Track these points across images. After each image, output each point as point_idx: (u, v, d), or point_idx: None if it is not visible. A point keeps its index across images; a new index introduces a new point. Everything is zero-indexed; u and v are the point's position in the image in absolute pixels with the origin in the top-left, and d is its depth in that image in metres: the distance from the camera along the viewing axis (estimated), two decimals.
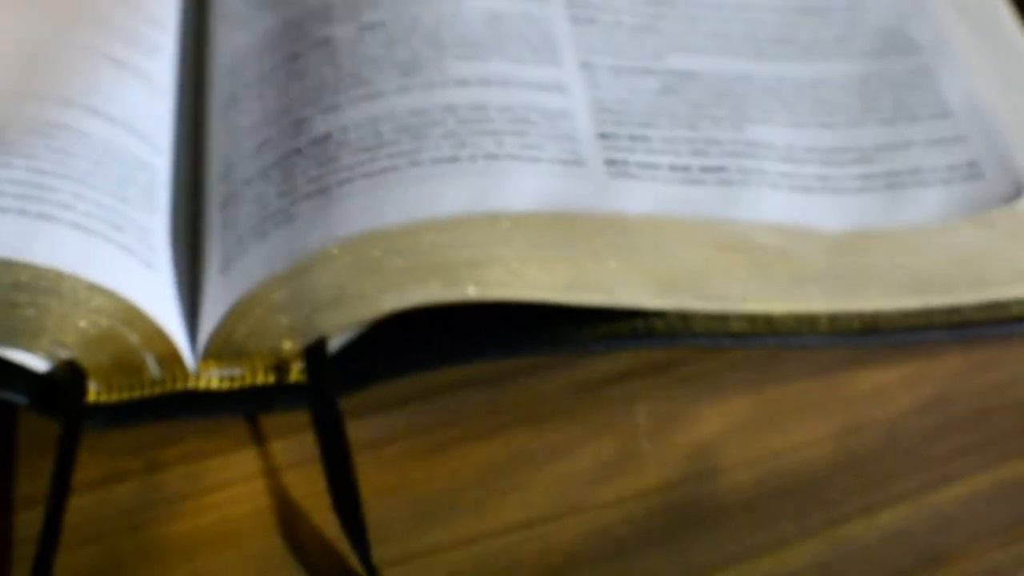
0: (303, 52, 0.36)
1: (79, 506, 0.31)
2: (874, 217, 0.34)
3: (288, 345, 0.33)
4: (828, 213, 0.34)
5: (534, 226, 0.32)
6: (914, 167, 0.35)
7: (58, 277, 0.31)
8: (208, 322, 0.32)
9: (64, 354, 0.32)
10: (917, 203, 0.34)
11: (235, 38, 0.38)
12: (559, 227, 0.32)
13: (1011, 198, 0.33)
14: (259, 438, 0.33)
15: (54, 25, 0.36)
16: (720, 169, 0.34)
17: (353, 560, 0.29)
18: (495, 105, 0.34)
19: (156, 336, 0.32)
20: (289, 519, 0.31)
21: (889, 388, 0.34)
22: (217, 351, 0.32)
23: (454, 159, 0.33)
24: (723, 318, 0.34)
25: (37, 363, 0.32)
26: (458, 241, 0.32)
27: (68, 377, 0.32)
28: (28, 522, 0.31)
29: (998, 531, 0.31)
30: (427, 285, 0.32)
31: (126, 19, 0.37)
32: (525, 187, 0.33)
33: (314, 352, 0.33)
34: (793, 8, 0.39)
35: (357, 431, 0.32)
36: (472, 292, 0.32)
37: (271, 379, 0.33)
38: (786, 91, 0.36)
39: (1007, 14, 0.40)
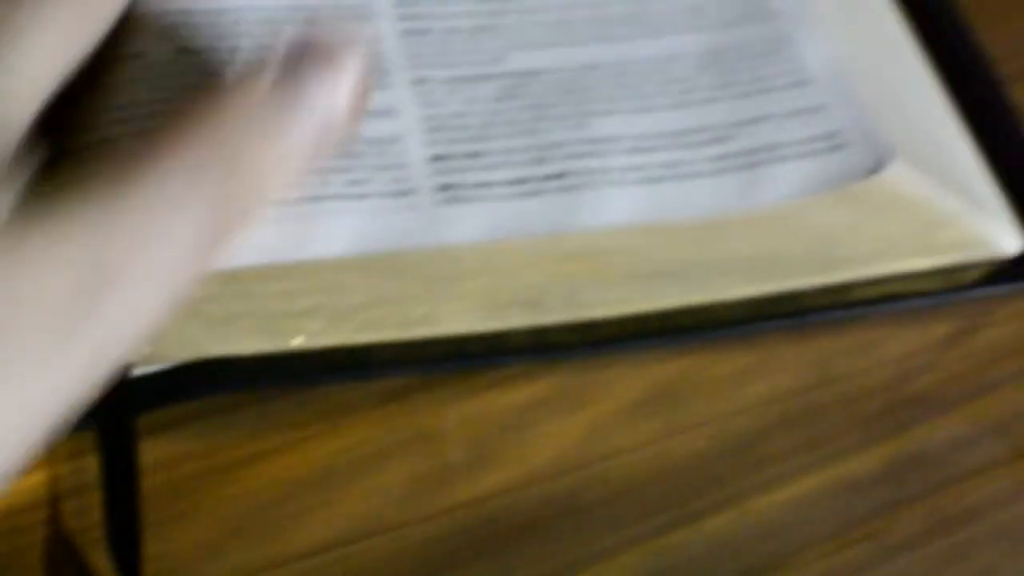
0: None
1: None
2: (731, 200, 0.31)
3: None
4: (681, 202, 0.31)
5: (358, 269, 0.30)
6: (772, 142, 0.32)
7: None
8: None
9: None
10: (775, 180, 0.31)
11: None
12: (386, 267, 0.30)
13: (874, 169, 0.31)
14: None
15: None
16: (560, 175, 0.31)
17: None
18: None
19: None
20: (55, 556, 0.29)
21: (719, 385, 0.32)
22: None
23: (279, 202, 0.30)
24: (543, 331, 0.32)
25: None
26: (280, 290, 0.30)
27: None
28: None
29: (830, 535, 0.30)
30: (251, 335, 0.30)
31: None
32: (349, 228, 0.30)
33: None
34: None
35: (148, 452, 0.29)
36: (296, 343, 0.30)
37: None
38: (635, 74, 0.34)
39: None
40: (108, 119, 0.29)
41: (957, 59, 0.37)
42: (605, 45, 0.34)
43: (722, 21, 0.34)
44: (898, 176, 0.31)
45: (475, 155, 0.31)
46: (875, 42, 0.36)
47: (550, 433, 0.31)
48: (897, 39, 0.37)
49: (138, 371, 0.30)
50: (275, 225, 0.29)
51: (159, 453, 0.30)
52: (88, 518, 0.28)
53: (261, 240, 0.28)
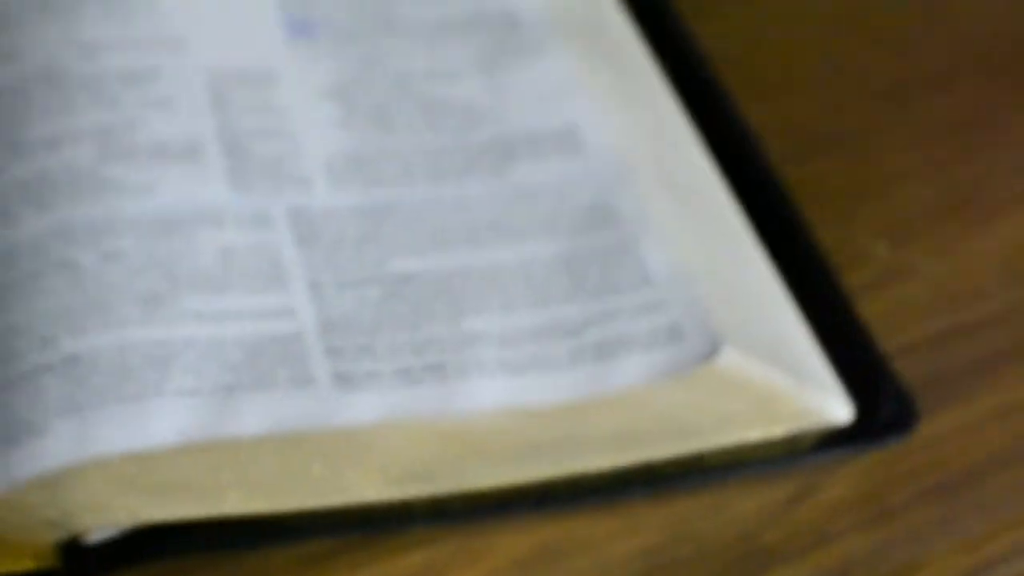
0: (46, 271, 0.39)
1: None
2: (585, 387, 0.36)
3: (47, 537, 0.35)
4: (542, 390, 0.36)
5: (271, 447, 0.35)
6: (620, 335, 0.37)
7: None
8: None
9: None
10: (623, 369, 0.36)
11: None
12: (293, 445, 0.35)
13: (709, 355, 0.36)
14: None
15: None
16: (439, 367, 0.36)
17: None
18: (231, 338, 0.37)
19: None
20: None
21: (592, 544, 0.37)
22: None
23: (195, 391, 0.36)
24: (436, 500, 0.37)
25: None
26: (204, 465, 0.35)
27: None
28: None
29: None
30: (183, 503, 0.35)
31: None
32: (258, 414, 0.35)
33: (70, 545, 0.35)
34: (508, 195, 0.41)
35: None
36: (224, 510, 0.35)
37: (27, 565, 0.35)
38: (501, 277, 0.39)
39: (710, 178, 0.44)
40: None
41: (792, 249, 0.43)
42: (473, 250, 0.39)
43: (574, 228, 0.40)
44: (729, 361, 0.36)
45: (365, 349, 0.37)
46: (713, 239, 0.41)
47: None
48: (736, 234, 0.42)
49: (92, 537, 0.35)
50: (193, 412, 0.35)
51: None
52: None
53: (183, 421, 0.34)
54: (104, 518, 0.35)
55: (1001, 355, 0.41)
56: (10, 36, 0.44)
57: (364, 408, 0.36)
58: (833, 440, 0.39)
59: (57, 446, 0.34)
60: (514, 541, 0.37)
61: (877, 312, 0.41)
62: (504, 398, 0.36)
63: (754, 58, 0.49)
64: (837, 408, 0.38)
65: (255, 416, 0.35)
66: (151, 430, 0.34)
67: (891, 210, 0.45)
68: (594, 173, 0.41)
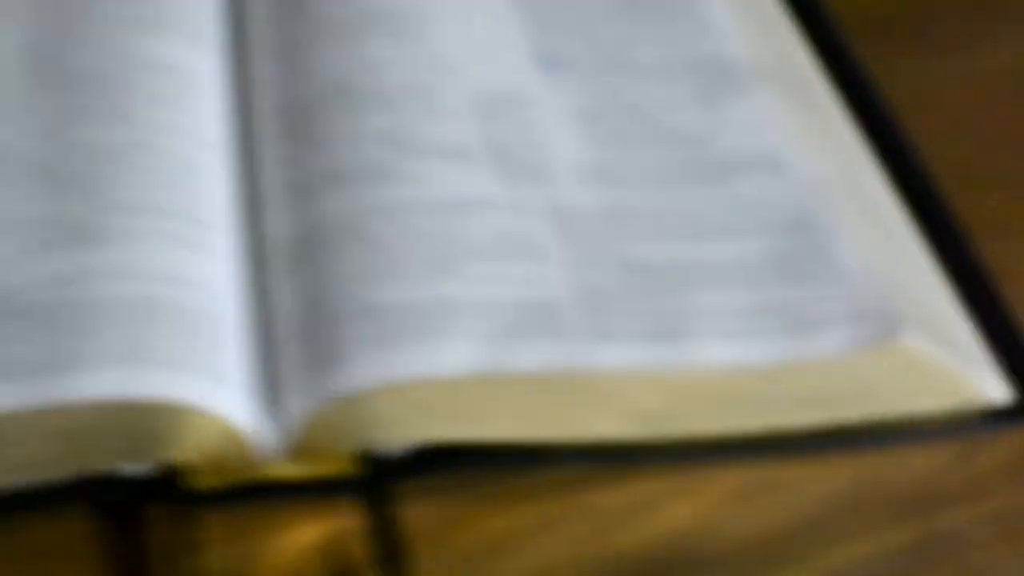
0: (348, 241, 0.47)
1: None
2: (788, 354, 0.44)
3: (351, 448, 0.43)
4: (754, 354, 0.44)
5: (533, 388, 0.43)
6: (819, 315, 0.45)
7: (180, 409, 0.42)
8: (284, 431, 0.43)
9: (173, 458, 0.42)
10: (821, 342, 0.44)
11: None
12: (552, 387, 0.43)
13: (892, 336, 0.44)
14: (322, 516, 0.44)
15: None
16: (672, 332, 0.44)
17: None
18: (504, 297, 0.45)
19: (243, 446, 0.43)
20: (346, 573, 0.42)
21: (793, 480, 0.45)
22: (292, 453, 0.43)
23: (478, 335, 0.43)
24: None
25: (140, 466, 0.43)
26: (482, 395, 0.43)
27: (174, 472, 0.43)
28: None
29: None
30: (462, 427, 0.44)
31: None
32: (528, 359, 0.43)
33: (370, 456, 0.44)
34: (726, 203, 0.49)
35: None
36: (496, 434, 0.43)
37: (332, 471, 0.44)
38: (722, 265, 0.47)
39: (883, 192, 0.52)
40: None
41: (955, 255, 0.51)
42: (699, 244, 0.48)
43: (781, 229, 0.48)
44: (908, 342, 0.44)
45: (614, 312, 0.45)
46: (891, 243, 0.50)
47: (672, 511, 0.44)
48: (908, 239, 0.51)
49: (393, 451, 0.44)
50: (476, 351, 0.43)
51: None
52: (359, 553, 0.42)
53: (468, 359, 0.42)
54: (397, 435, 0.43)
55: None
56: (308, 58, 0.54)
57: (612, 360, 0.44)
58: (992, 415, 0.47)
59: (362, 373, 0.43)
60: (726, 477, 0.45)
61: None
62: (724, 359, 0.44)
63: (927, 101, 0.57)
64: (995, 389, 0.46)
65: (525, 359, 0.43)
66: (440, 362, 0.43)
67: None
68: (795, 188, 0.50)
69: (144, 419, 0.41)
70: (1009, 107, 0.58)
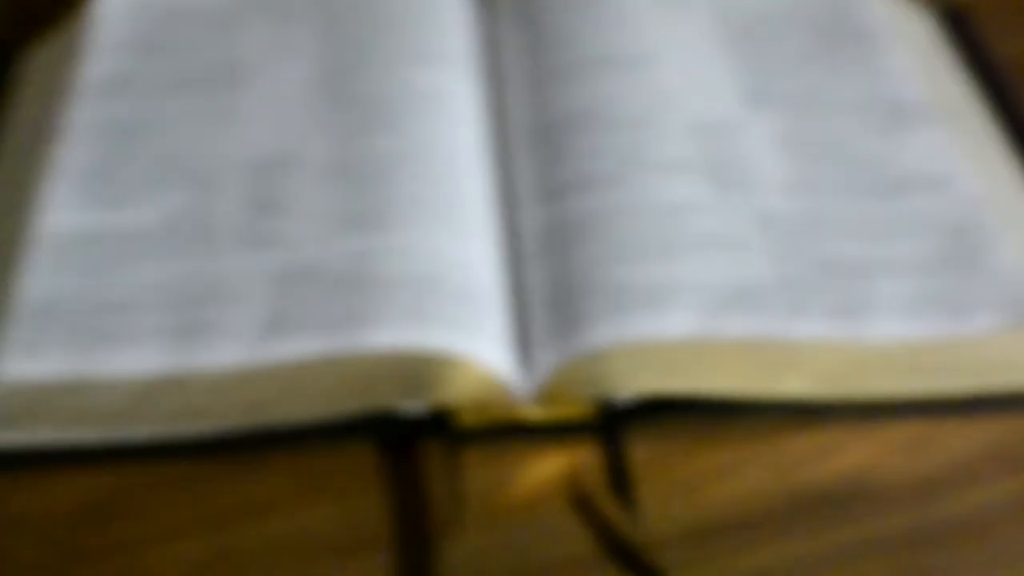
0: (594, 232, 0.58)
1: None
2: (952, 330, 0.54)
3: (587, 397, 0.53)
4: (924, 330, 0.54)
5: (740, 351, 0.54)
6: (979, 301, 0.55)
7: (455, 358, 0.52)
8: (534, 380, 0.54)
9: (447, 401, 0.53)
10: (978, 323, 0.55)
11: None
12: (755, 350, 0.54)
13: None
14: (563, 451, 0.54)
15: None
16: (854, 310, 0.55)
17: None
18: (716, 279, 0.56)
19: (503, 392, 0.53)
20: (586, 495, 0.52)
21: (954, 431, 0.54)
22: (539, 399, 0.53)
23: (695, 307, 0.54)
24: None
25: (414, 406, 0.53)
26: (697, 356, 0.54)
27: (446, 412, 0.53)
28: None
29: None
30: (681, 381, 0.53)
31: None
32: (736, 327, 0.54)
33: (605, 413, 0.54)
34: (905, 213, 0.59)
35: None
36: (708, 388, 0.53)
37: (573, 414, 0.54)
38: (897, 260, 0.57)
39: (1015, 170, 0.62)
40: None
41: None
42: (879, 244, 0.58)
43: (950, 234, 0.58)
44: None
45: (807, 293, 0.56)
46: None
47: (846, 456, 0.54)
48: None
49: (622, 400, 0.54)
50: (693, 318, 0.53)
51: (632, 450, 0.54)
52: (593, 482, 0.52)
53: (687, 325, 0.53)
54: (627, 387, 0.53)
55: None
56: (555, 88, 0.65)
57: (803, 331, 0.54)
58: None
59: (600, 335, 0.53)
60: (893, 430, 0.54)
61: None
62: (896, 334, 0.54)
63: None
64: None
65: (733, 328, 0.54)
66: (664, 328, 0.53)
67: None
68: (959, 202, 0.59)
69: (423, 367, 0.52)
70: None
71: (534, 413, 0.54)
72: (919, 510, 0.52)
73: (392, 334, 0.53)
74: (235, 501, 0.52)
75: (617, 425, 0.53)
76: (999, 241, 0.57)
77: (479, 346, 0.53)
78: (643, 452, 0.53)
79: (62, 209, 0.59)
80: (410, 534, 0.51)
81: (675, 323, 0.53)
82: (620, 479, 0.52)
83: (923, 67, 0.67)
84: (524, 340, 0.55)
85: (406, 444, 0.54)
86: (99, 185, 0.60)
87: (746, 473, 0.53)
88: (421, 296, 0.54)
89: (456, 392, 0.52)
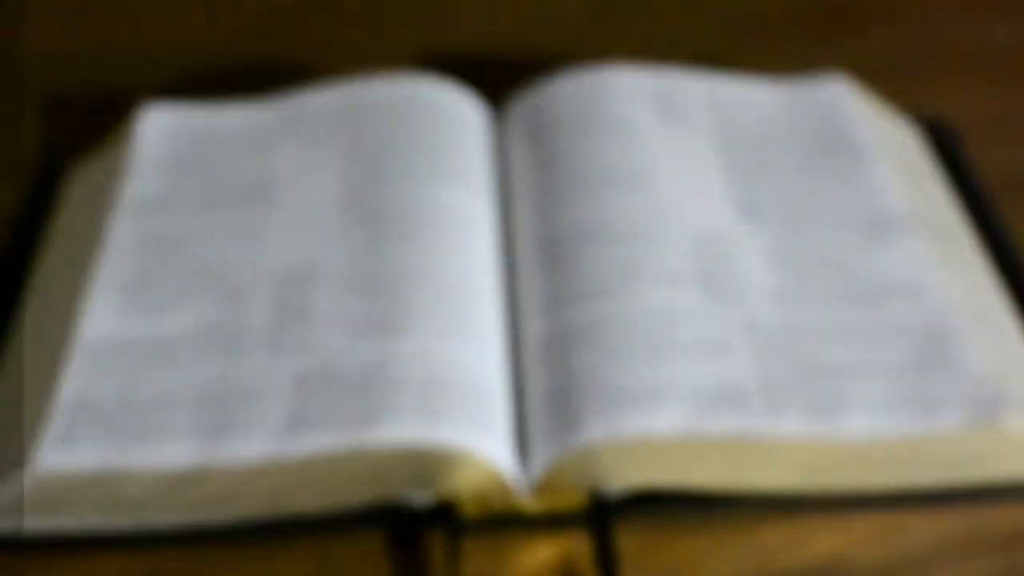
0: (600, 317, 0.62)
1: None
2: (919, 429, 0.58)
3: (579, 490, 0.58)
4: (891, 429, 0.58)
5: (720, 449, 0.58)
6: (944, 399, 0.59)
7: (459, 452, 0.56)
8: (532, 474, 0.58)
9: (450, 494, 0.57)
10: (944, 421, 0.58)
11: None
12: (734, 448, 0.58)
13: (996, 418, 0.58)
14: (556, 540, 0.58)
15: None
16: (828, 410, 0.58)
17: None
18: (700, 380, 0.59)
19: (503, 486, 0.57)
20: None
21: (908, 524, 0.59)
22: (536, 491, 0.58)
23: (684, 404, 0.58)
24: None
25: (420, 498, 0.58)
26: (680, 452, 0.57)
27: (448, 505, 0.58)
28: None
29: None
30: (666, 476, 0.58)
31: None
32: (718, 426, 0.58)
33: (595, 503, 0.58)
34: (881, 321, 0.62)
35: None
36: (694, 482, 0.58)
37: (566, 505, 0.58)
38: (871, 365, 0.60)
39: (1006, 313, 0.66)
40: None
41: None
42: (854, 349, 0.62)
43: (921, 340, 0.62)
44: (1012, 423, 0.58)
45: (785, 392, 0.59)
46: (1008, 352, 0.63)
47: (821, 545, 0.58)
48: (1006, 320, 0.65)
49: (613, 492, 0.58)
50: (680, 419, 0.57)
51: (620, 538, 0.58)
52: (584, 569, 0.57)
53: (675, 424, 0.57)
54: (617, 481, 0.58)
55: None
56: (558, 204, 0.70)
57: (783, 430, 0.58)
58: None
59: (594, 432, 0.57)
60: (867, 519, 0.58)
61: None
62: (870, 431, 0.58)
63: None
64: None
65: (718, 427, 0.58)
66: (653, 427, 0.57)
67: None
68: (934, 309, 0.63)
69: (431, 460, 0.57)
70: None
71: (530, 505, 0.58)
72: None
73: (403, 429, 0.57)
74: None
75: (607, 515, 0.58)
76: (967, 346, 0.61)
77: (483, 442, 0.57)
78: (630, 540, 0.58)
79: (102, 316, 0.64)
80: None
81: (662, 422, 0.57)
82: (608, 566, 0.56)
83: (906, 180, 0.72)
84: (523, 438, 0.59)
85: (412, 532, 0.59)
86: (137, 294, 0.65)
87: (725, 559, 0.57)
88: (431, 395, 0.58)
89: (460, 484, 0.57)
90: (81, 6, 0.97)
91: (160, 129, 0.76)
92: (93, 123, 0.81)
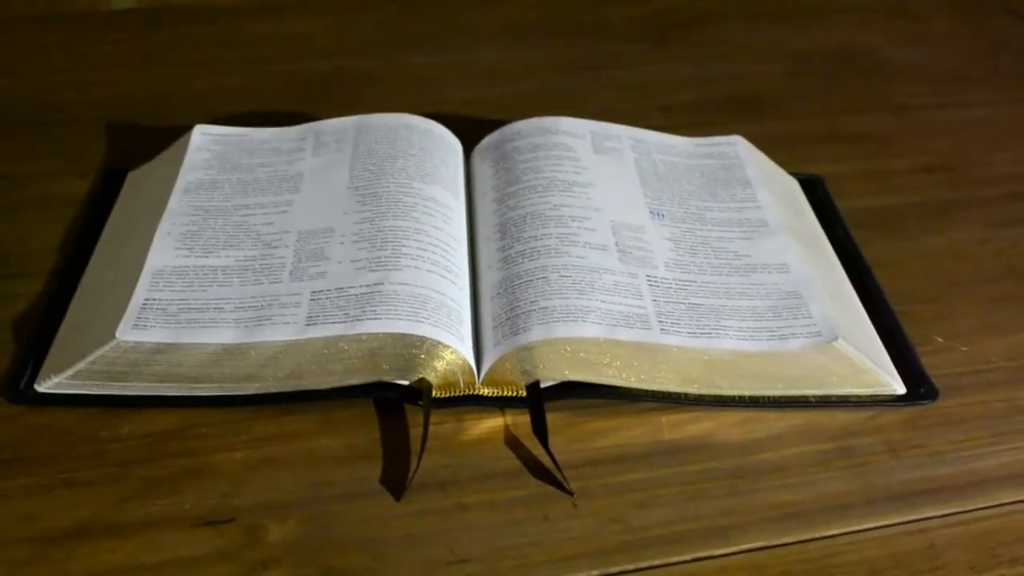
0: (537, 272, 0.81)
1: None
2: (775, 348, 0.76)
3: (521, 381, 0.77)
4: (753, 347, 0.77)
5: (627, 350, 0.76)
6: (793, 331, 0.78)
7: (436, 344, 0.75)
8: (486, 368, 0.76)
9: (425, 378, 0.76)
10: (793, 343, 0.77)
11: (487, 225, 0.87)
12: (637, 351, 0.76)
13: (832, 341, 0.77)
14: (502, 415, 0.77)
15: None
16: (707, 331, 0.77)
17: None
18: (616, 310, 0.78)
19: (466, 373, 0.76)
20: (515, 440, 0.75)
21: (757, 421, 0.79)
22: (488, 382, 0.77)
23: (601, 321, 0.76)
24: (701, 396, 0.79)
25: (403, 381, 0.77)
26: (599, 351, 0.75)
27: (425, 387, 0.76)
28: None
29: None
30: (585, 371, 0.77)
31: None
32: (627, 335, 0.76)
33: (532, 386, 0.77)
34: (751, 284, 0.82)
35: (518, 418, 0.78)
36: (606, 378, 0.77)
37: (511, 392, 0.77)
38: (741, 307, 0.80)
39: (846, 285, 0.87)
40: None
41: (869, 294, 0.87)
42: (730, 299, 0.82)
43: (781, 296, 0.82)
44: (842, 346, 0.77)
45: (677, 320, 0.78)
46: (845, 307, 0.83)
47: (697, 427, 0.78)
48: (856, 305, 0.85)
49: (544, 382, 0.77)
50: (597, 327, 0.76)
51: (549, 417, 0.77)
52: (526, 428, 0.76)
53: (595, 329, 0.76)
54: (548, 374, 0.77)
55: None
56: (514, 202, 0.90)
57: (673, 341, 0.77)
58: (890, 399, 0.80)
59: (533, 335, 0.76)
60: (730, 414, 0.78)
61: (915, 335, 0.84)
62: (735, 348, 0.77)
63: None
64: (896, 385, 0.79)
65: (625, 336, 0.76)
66: (578, 332, 0.76)
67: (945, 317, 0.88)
68: (792, 280, 0.83)
69: (414, 349, 0.75)
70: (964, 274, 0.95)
71: (483, 390, 0.77)
72: (743, 457, 0.75)
73: (395, 325, 0.75)
74: (272, 432, 0.75)
75: (540, 397, 0.76)
76: (813, 304, 0.80)
77: (453, 341, 0.75)
78: (556, 417, 0.76)
79: (163, 253, 0.83)
80: (393, 453, 0.74)
81: (585, 330, 0.76)
82: (541, 432, 0.74)
83: (783, 205, 0.93)
84: (478, 350, 0.78)
85: (396, 404, 0.77)
86: (190, 241, 0.84)
87: (627, 432, 0.76)
88: (417, 306, 0.76)
89: (434, 371, 0.76)
90: (145, 61, 1.22)
91: (206, 140, 0.97)
92: (149, 143, 1.03)
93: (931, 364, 0.82)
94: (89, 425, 0.75)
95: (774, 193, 0.94)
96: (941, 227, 0.99)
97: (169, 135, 1.00)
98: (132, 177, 0.98)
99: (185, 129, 0.98)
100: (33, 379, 0.77)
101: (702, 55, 1.29)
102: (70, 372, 0.76)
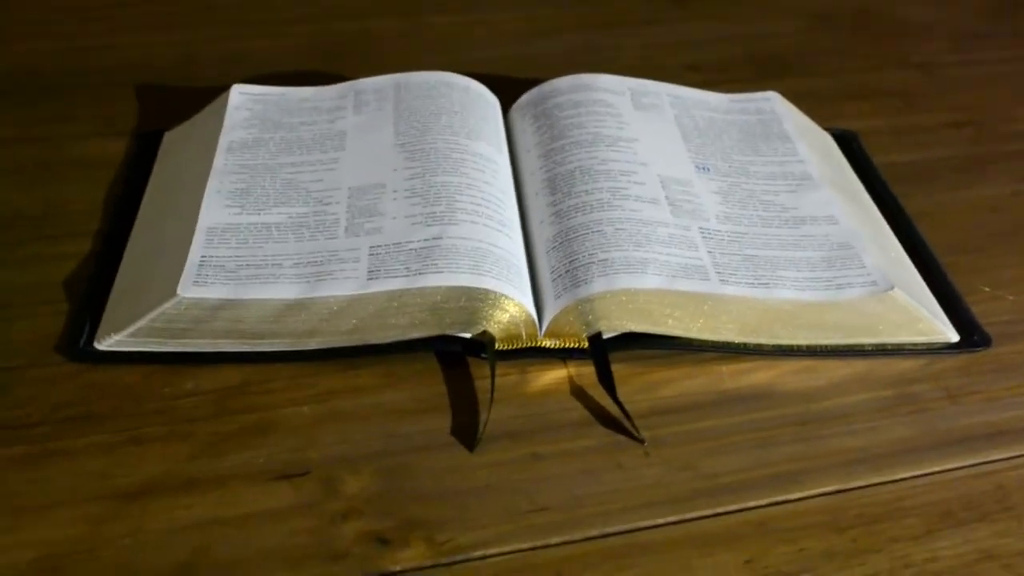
0: (593, 226, 0.82)
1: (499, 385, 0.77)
2: (832, 297, 0.78)
3: (583, 332, 0.78)
4: (811, 296, 0.78)
5: (689, 299, 0.77)
6: (849, 282, 0.79)
7: (500, 297, 0.76)
8: (547, 320, 0.77)
9: (488, 330, 0.76)
10: (849, 293, 0.78)
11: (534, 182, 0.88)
12: (697, 300, 0.77)
13: (888, 290, 0.78)
14: (564, 366, 0.78)
15: None
16: (766, 281, 0.78)
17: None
18: (674, 261, 0.79)
19: (529, 325, 0.77)
20: (580, 390, 0.76)
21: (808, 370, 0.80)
22: (549, 334, 0.77)
23: (663, 272, 0.77)
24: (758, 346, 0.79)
25: (465, 334, 0.77)
26: (660, 303, 0.77)
27: (489, 339, 0.77)
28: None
29: None
30: (645, 323, 0.78)
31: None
32: (689, 286, 0.77)
33: (594, 336, 0.78)
34: (800, 236, 0.84)
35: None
36: (661, 330, 0.78)
37: (572, 344, 0.78)
38: (797, 258, 0.81)
39: (890, 236, 0.89)
40: None
41: (913, 246, 0.89)
42: (784, 250, 0.83)
43: (833, 247, 0.83)
44: (898, 295, 0.78)
45: (734, 271, 0.79)
46: (894, 257, 0.85)
47: (758, 376, 0.79)
48: (902, 256, 0.86)
49: (608, 334, 0.78)
50: (659, 277, 0.77)
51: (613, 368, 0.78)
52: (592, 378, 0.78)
53: (657, 281, 0.77)
54: (611, 326, 0.78)
55: None
56: (560, 157, 0.91)
57: (732, 291, 0.78)
58: (944, 347, 0.81)
59: (594, 288, 0.77)
60: (790, 363, 0.79)
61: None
62: (793, 298, 0.79)
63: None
64: (949, 333, 0.81)
65: (684, 287, 0.78)
66: (638, 284, 0.77)
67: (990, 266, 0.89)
68: (841, 231, 0.85)
69: (476, 302, 0.76)
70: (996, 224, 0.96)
71: (545, 342, 0.78)
72: (804, 405, 0.76)
73: (457, 278, 0.76)
74: (337, 386, 0.76)
75: (604, 348, 0.77)
76: (866, 255, 0.82)
77: (515, 294, 0.76)
78: (619, 367, 0.77)
79: (214, 211, 0.83)
80: (460, 405, 0.75)
81: (644, 282, 0.77)
82: (607, 381, 0.75)
83: (821, 158, 0.95)
84: (538, 304, 0.79)
85: (460, 357, 0.78)
86: (239, 199, 0.84)
87: (688, 382, 0.77)
88: (477, 259, 0.77)
89: (496, 324, 0.76)
90: (169, 24, 1.22)
91: (245, 99, 0.97)
92: (179, 104, 1.04)
93: (980, 313, 0.84)
94: (151, 382, 0.75)
95: (813, 147, 0.96)
96: (973, 181, 1.01)
97: (198, 97, 1.01)
98: (169, 137, 0.98)
99: (213, 91, 0.99)
100: (91, 338, 0.77)
101: (722, 13, 1.31)
102: (130, 330, 0.76)
